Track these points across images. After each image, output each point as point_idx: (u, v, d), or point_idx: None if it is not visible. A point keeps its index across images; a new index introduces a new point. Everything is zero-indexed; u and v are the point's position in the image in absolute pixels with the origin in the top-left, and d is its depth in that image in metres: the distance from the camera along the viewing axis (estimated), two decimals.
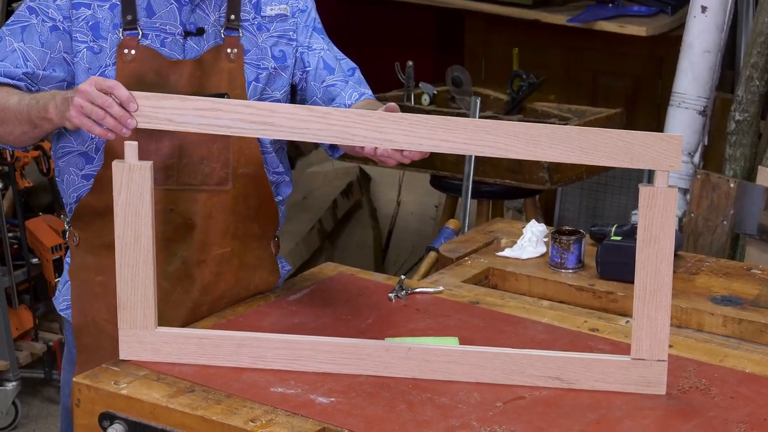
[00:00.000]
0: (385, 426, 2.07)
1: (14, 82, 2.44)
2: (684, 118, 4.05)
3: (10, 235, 4.32)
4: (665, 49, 4.89)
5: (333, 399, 2.15)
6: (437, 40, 5.84)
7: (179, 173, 2.47)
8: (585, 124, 4.24)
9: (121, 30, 2.44)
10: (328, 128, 2.16)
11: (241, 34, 2.50)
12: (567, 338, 2.42)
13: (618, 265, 2.72)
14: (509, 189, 4.31)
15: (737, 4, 4.31)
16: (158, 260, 2.36)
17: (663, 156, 2.10)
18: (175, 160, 2.46)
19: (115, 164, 2.21)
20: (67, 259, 2.61)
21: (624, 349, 2.27)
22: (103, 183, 2.45)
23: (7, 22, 2.49)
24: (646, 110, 5.09)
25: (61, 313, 2.63)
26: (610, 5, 4.85)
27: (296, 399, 2.16)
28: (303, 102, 2.60)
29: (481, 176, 4.22)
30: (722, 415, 2.12)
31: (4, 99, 2.40)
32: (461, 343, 2.36)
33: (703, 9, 4.00)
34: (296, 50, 2.57)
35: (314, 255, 5.29)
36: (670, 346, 2.21)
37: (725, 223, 3.69)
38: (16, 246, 4.33)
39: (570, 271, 2.81)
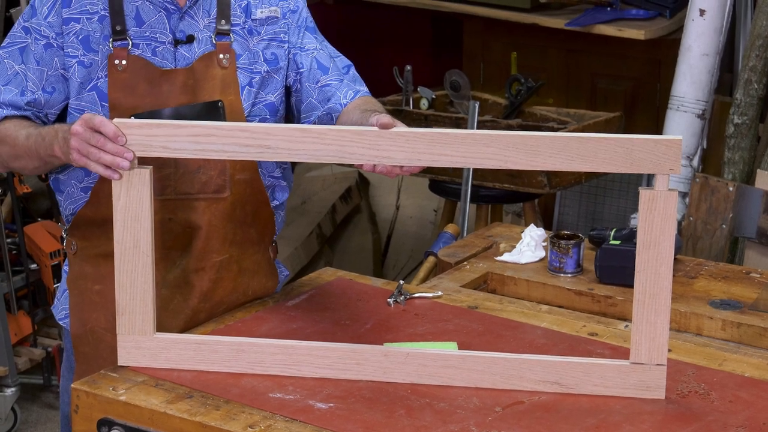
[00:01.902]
0: (384, 431, 2.06)
1: (20, 113, 2.44)
2: (683, 122, 4.05)
3: (9, 240, 4.32)
4: (664, 53, 4.89)
5: (331, 404, 2.15)
6: (435, 44, 5.84)
7: (176, 183, 2.46)
8: (584, 128, 4.24)
9: (111, 41, 2.42)
10: (325, 148, 2.16)
11: (232, 39, 2.49)
12: (566, 343, 2.42)
13: (617, 269, 2.72)
14: (508, 193, 4.31)
15: (735, 7, 4.31)
16: (158, 269, 2.36)
17: (663, 159, 2.10)
18: (172, 170, 2.45)
19: None
20: (65, 268, 2.60)
21: (623, 353, 2.27)
22: (100, 196, 2.45)
23: (3, 44, 2.49)
24: (644, 114, 5.09)
25: (59, 322, 2.63)
26: (609, 9, 4.85)
27: (295, 404, 2.15)
28: (298, 103, 2.59)
29: (480, 180, 4.22)
30: (721, 420, 2.12)
31: (13, 134, 2.41)
32: (460, 347, 2.36)
33: (702, 12, 4.00)
34: (288, 52, 2.56)
35: (313, 260, 5.28)
36: (669, 350, 2.21)
37: (724, 226, 3.69)
38: (14, 252, 4.33)
39: (569, 275, 2.81)
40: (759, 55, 3.89)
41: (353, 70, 2.63)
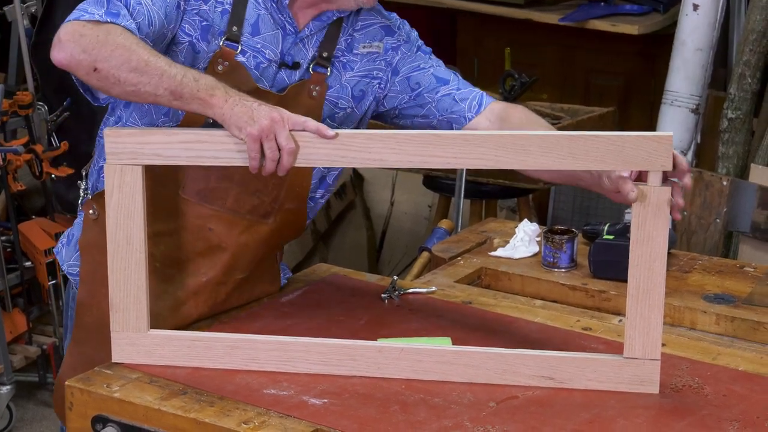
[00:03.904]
0: (379, 427, 2.06)
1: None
2: (676, 117, 4.05)
3: (3, 238, 4.31)
4: (658, 48, 4.89)
5: (326, 400, 2.15)
6: (429, 40, 5.82)
7: (230, 199, 2.39)
8: (578, 123, 4.24)
9: (223, 39, 2.34)
10: (317, 152, 2.16)
11: (329, 73, 2.42)
12: (560, 337, 2.42)
13: (610, 263, 2.72)
14: (502, 188, 4.31)
15: (729, 1, 4.31)
16: (181, 274, 2.35)
17: (654, 156, 2.10)
18: (228, 184, 2.38)
19: (107, 166, 2.20)
20: (79, 220, 2.49)
21: (617, 348, 2.27)
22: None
23: None
24: (638, 109, 5.09)
25: (64, 270, 2.54)
26: (602, 4, 4.85)
27: (289, 400, 2.15)
28: (417, 125, 2.53)
29: (474, 176, 4.22)
30: (715, 414, 2.12)
31: (152, 53, 2.17)
32: (454, 343, 2.36)
33: (695, 7, 4.00)
34: (378, 87, 2.50)
35: (308, 256, 5.28)
36: (663, 345, 2.21)
37: (718, 221, 3.69)
38: (9, 249, 4.33)
39: (563, 270, 2.81)
40: (753, 49, 3.90)
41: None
